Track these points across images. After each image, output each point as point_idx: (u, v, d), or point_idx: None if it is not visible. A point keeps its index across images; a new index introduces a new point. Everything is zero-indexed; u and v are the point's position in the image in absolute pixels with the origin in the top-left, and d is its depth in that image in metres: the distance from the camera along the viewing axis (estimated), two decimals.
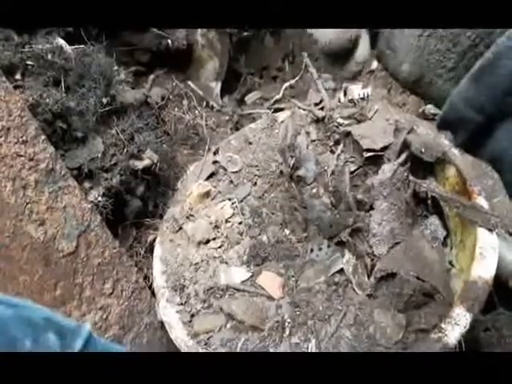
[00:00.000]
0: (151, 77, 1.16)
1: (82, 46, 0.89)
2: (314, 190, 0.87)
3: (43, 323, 0.42)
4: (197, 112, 1.33)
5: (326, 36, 1.46)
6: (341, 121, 1.03)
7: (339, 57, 1.50)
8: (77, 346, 0.39)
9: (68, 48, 0.89)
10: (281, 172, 0.92)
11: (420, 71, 1.24)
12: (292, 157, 0.88)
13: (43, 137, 0.66)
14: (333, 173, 0.90)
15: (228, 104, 1.49)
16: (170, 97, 1.31)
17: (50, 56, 0.84)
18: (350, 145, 0.99)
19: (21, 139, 0.63)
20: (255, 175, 0.99)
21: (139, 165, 0.91)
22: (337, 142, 1.00)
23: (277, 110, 1.29)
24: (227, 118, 1.45)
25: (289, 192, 0.89)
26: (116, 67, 0.92)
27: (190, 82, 1.41)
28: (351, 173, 0.94)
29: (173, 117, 1.11)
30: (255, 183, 0.97)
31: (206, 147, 1.06)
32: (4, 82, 0.61)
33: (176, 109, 1.24)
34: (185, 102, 1.36)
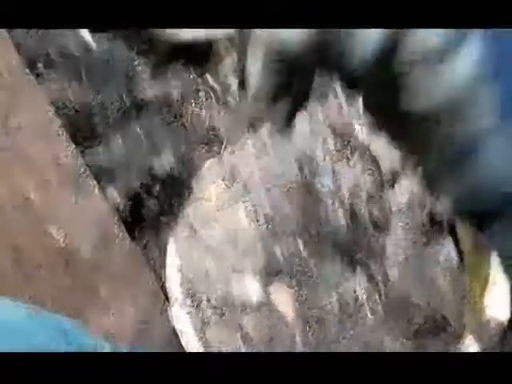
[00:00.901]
0: (170, 72, 1.15)
1: (105, 41, 0.88)
2: (330, 205, 0.87)
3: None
4: (214, 107, 1.33)
5: None
6: (359, 129, 1.03)
7: None
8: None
9: (92, 43, 0.88)
10: (297, 182, 0.92)
11: None
12: (308, 169, 0.88)
13: (66, 134, 0.66)
14: (349, 186, 0.90)
15: (245, 100, 1.49)
16: (188, 90, 1.30)
17: (73, 50, 0.83)
18: (367, 155, 0.99)
19: (44, 136, 0.63)
20: (270, 180, 0.98)
21: (157, 163, 0.91)
22: (354, 152, 1.00)
23: (294, 110, 1.29)
24: (244, 114, 1.45)
25: (304, 204, 0.89)
26: (137, 62, 0.92)
27: (207, 76, 1.40)
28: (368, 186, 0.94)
29: (190, 113, 1.10)
30: (270, 189, 0.97)
31: (223, 146, 1.06)
32: (29, 76, 0.61)
33: (193, 104, 1.23)
34: (201, 94, 1.35)
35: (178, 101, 1.11)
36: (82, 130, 0.81)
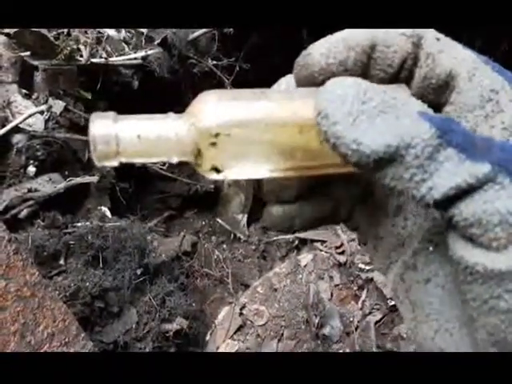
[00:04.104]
0: (182, 233, 1.25)
1: (117, 223, 0.99)
2: (341, 351, 0.89)
3: None
4: (224, 247, 1.41)
5: None
6: (362, 266, 1.07)
7: None
8: None
9: (107, 225, 0.99)
10: (306, 327, 0.95)
11: None
12: (316, 315, 0.91)
13: (83, 335, 0.73)
14: (358, 328, 0.92)
15: (254, 233, 1.57)
16: (200, 236, 1.40)
17: (90, 236, 0.94)
18: (373, 291, 1.02)
19: (63, 341, 0.69)
20: (281, 326, 1.02)
21: (170, 329, 0.96)
22: (361, 287, 1.03)
23: (299, 245, 1.36)
24: (254, 247, 1.52)
25: (315, 351, 0.91)
26: (150, 236, 1.01)
27: (218, 219, 1.51)
28: (377, 322, 0.96)
29: (202, 271, 1.18)
30: (281, 339, 0.99)
31: (234, 299, 1.11)
32: (50, 292, 0.69)
33: (204, 251, 1.32)
34: (214, 238, 1.45)
35: (189, 256, 1.19)
36: (96, 311, 0.88)
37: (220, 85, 1.47)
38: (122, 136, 0.24)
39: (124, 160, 0.25)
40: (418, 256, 0.27)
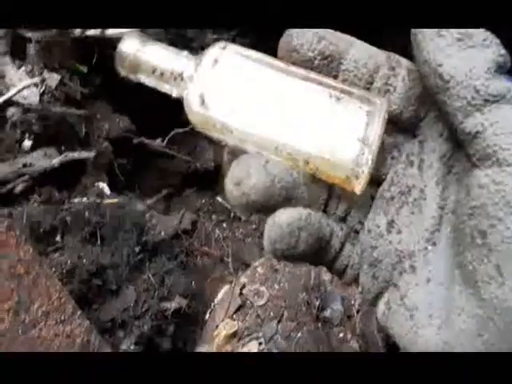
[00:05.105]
0: (182, 211, 1.22)
1: (115, 200, 0.97)
2: (341, 335, 0.88)
3: None
4: (224, 226, 1.39)
5: None
6: None
7: None
8: None
9: (105, 199, 0.97)
10: (307, 309, 0.94)
11: None
12: (317, 298, 0.90)
13: (79, 312, 0.71)
14: (359, 311, 0.91)
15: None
16: (200, 214, 1.38)
17: (87, 213, 0.91)
18: None
19: (59, 319, 0.68)
20: (282, 307, 1.00)
21: (169, 307, 0.95)
22: None
23: None
24: (254, 226, 1.50)
25: (316, 333, 0.90)
26: (148, 214, 0.99)
27: (218, 197, 1.48)
28: None
29: (202, 250, 1.16)
30: (281, 320, 0.98)
31: (234, 279, 1.09)
32: (46, 270, 0.67)
33: (204, 230, 1.30)
34: (214, 217, 1.42)
35: (188, 235, 1.17)
36: (94, 289, 0.87)
37: None
38: (139, 57, 0.30)
39: (140, 77, 0.30)
40: (417, 258, 0.26)
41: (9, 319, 0.61)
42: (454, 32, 0.23)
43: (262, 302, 1.01)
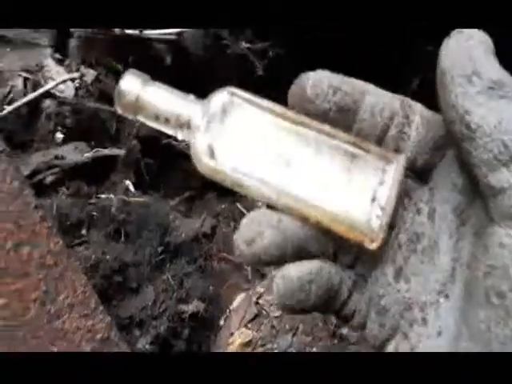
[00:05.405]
0: (203, 215, 1.23)
1: (141, 198, 0.98)
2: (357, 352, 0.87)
3: None
4: None
5: None
6: None
7: None
8: None
9: (130, 198, 0.98)
10: (323, 324, 0.93)
11: None
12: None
13: (101, 308, 0.71)
14: None
15: None
16: (220, 219, 1.38)
17: (113, 209, 0.92)
18: None
19: (82, 313, 0.68)
20: (297, 320, 0.99)
21: (186, 310, 0.95)
22: None
23: None
24: None
25: (331, 349, 0.89)
26: (172, 215, 0.99)
27: (238, 204, 1.49)
28: None
29: (220, 255, 1.16)
30: (296, 333, 0.97)
31: (251, 287, 1.09)
32: (72, 263, 0.68)
33: (223, 235, 1.30)
34: (232, 224, 1.42)
35: (208, 239, 1.17)
36: (114, 285, 0.87)
37: (252, 69, 1.43)
38: (142, 98, 0.28)
39: (141, 119, 0.29)
40: (428, 310, 0.26)
41: (35, 308, 0.62)
42: (486, 79, 0.22)
43: (277, 314, 1.01)
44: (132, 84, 0.28)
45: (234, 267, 1.18)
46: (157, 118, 0.28)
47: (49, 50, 1.16)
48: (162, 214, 0.97)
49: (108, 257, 0.85)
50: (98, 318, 0.70)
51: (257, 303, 1.03)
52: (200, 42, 1.23)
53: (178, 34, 1.20)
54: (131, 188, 1.07)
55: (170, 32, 1.20)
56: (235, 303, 1.08)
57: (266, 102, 0.27)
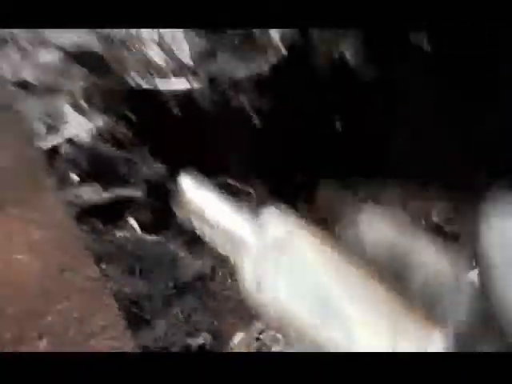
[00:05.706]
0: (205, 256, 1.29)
1: (155, 236, 1.05)
2: None
3: None
4: None
5: None
6: None
7: None
8: None
9: (141, 234, 1.05)
10: None
11: None
12: None
13: (128, 333, 0.77)
14: None
15: None
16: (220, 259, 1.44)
17: (129, 246, 0.99)
18: None
19: (113, 335, 0.73)
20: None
21: (194, 344, 1.00)
22: None
23: None
24: None
25: None
26: (183, 254, 1.06)
27: None
28: None
29: (221, 291, 1.22)
30: None
31: (251, 324, 1.14)
32: (105, 289, 0.74)
33: (223, 275, 1.36)
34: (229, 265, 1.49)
35: (211, 278, 1.23)
36: (131, 316, 0.92)
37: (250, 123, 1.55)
38: (197, 207, 0.25)
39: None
40: None
41: (75, 327, 0.68)
42: None
43: (278, 349, 1.05)
44: (192, 191, 0.27)
45: (234, 304, 1.23)
46: (213, 227, 0.27)
47: (68, 97, 1.26)
48: (172, 252, 1.04)
49: (126, 289, 0.91)
50: (125, 340, 0.75)
51: (257, 339, 1.08)
52: (208, 97, 1.35)
53: (189, 89, 1.32)
54: (136, 227, 1.14)
55: (181, 88, 1.32)
56: (235, 341, 1.12)
57: (324, 247, 0.26)
